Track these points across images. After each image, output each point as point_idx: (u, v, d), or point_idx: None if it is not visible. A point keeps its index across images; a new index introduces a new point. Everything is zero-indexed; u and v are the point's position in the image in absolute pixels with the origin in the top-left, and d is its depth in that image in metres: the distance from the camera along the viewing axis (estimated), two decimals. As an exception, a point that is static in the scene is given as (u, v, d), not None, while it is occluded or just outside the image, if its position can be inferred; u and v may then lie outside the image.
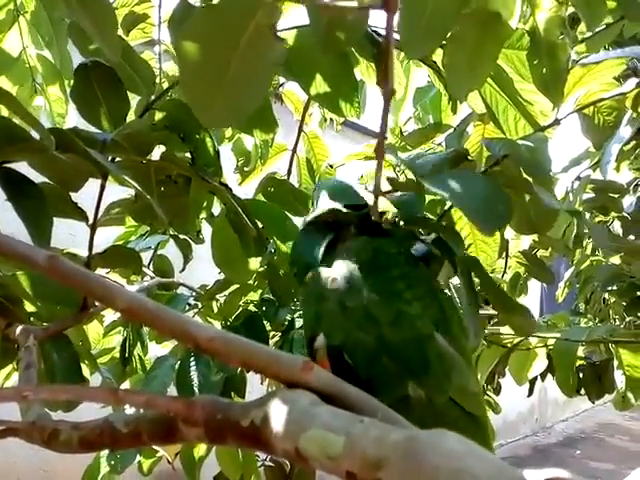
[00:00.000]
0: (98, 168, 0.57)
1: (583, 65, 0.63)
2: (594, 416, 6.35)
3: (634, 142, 1.20)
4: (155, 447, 1.02)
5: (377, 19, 0.78)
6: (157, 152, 0.75)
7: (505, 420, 5.02)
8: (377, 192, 0.54)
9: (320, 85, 0.75)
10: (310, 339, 0.55)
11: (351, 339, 0.52)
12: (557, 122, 0.63)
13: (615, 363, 1.03)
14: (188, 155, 0.78)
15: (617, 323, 1.61)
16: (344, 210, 0.62)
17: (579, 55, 0.85)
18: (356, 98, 0.77)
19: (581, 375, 1.35)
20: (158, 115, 0.77)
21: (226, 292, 1.14)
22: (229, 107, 0.36)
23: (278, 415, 0.30)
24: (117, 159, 0.74)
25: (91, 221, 0.80)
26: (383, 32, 0.76)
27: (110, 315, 1.14)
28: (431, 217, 0.70)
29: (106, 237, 1.21)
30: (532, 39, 0.56)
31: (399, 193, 0.63)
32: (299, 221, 1.07)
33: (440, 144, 1.16)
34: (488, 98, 0.67)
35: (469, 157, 0.54)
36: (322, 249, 0.61)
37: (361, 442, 0.25)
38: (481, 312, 1.30)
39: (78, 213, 0.76)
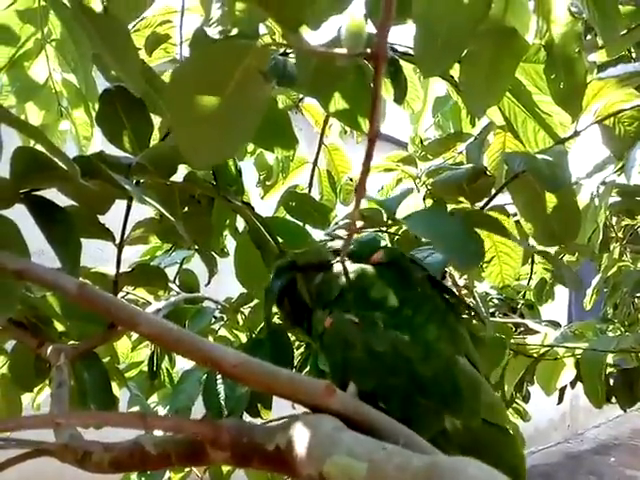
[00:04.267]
0: (123, 192, 0.59)
1: (601, 79, 0.63)
2: (627, 422, 6.20)
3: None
4: (184, 462, 1.03)
5: (393, 34, 0.79)
6: (181, 172, 0.77)
7: (536, 427, 4.93)
8: (350, 230, 0.54)
9: (338, 102, 0.76)
10: (340, 387, 0.54)
11: (383, 385, 0.52)
12: (577, 134, 0.63)
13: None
14: (210, 174, 0.80)
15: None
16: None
17: (600, 62, 0.84)
18: (374, 113, 0.78)
19: (612, 382, 1.32)
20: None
21: (251, 304, 1.15)
22: (217, 148, 0.37)
23: (302, 440, 0.31)
24: (142, 180, 0.76)
25: (118, 241, 0.82)
26: (399, 47, 0.77)
27: (138, 330, 1.16)
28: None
29: (134, 251, 1.24)
30: (549, 53, 0.56)
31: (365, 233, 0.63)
32: (320, 234, 1.08)
33: (461, 153, 1.16)
34: (507, 111, 0.67)
35: (487, 172, 0.54)
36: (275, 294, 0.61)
37: (384, 469, 0.26)
38: (506, 320, 1.29)
39: (106, 234, 0.78)
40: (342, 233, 0.92)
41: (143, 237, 0.82)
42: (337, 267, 0.60)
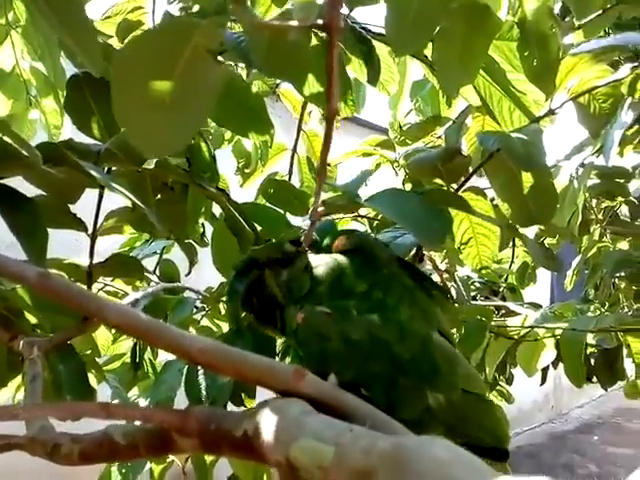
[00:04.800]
0: (92, 180, 0.57)
1: (575, 54, 0.62)
2: (610, 401, 6.30)
3: (637, 126, 1.18)
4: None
5: (366, 16, 0.78)
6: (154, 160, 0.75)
7: (520, 409, 4.99)
8: (313, 217, 0.54)
9: (313, 85, 0.75)
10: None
11: (363, 372, 0.51)
12: (552, 112, 0.63)
13: (625, 351, 1.02)
14: (184, 161, 0.79)
15: (626, 310, 1.60)
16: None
17: (577, 43, 0.84)
18: (350, 96, 0.76)
19: (593, 362, 1.33)
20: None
21: (232, 294, 1.14)
22: (170, 135, 0.35)
23: (269, 425, 0.30)
24: (114, 168, 0.75)
25: (90, 231, 0.80)
26: (372, 29, 0.75)
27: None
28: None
29: (112, 243, 1.22)
30: (522, 30, 0.55)
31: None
32: (299, 221, 1.07)
33: (440, 137, 1.15)
34: (482, 90, 0.66)
35: (462, 152, 0.54)
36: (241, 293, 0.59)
37: (350, 452, 0.25)
38: (488, 303, 1.29)
39: (77, 224, 0.76)
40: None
41: (117, 227, 0.81)
42: (302, 260, 0.60)
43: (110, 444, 0.40)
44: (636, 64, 0.60)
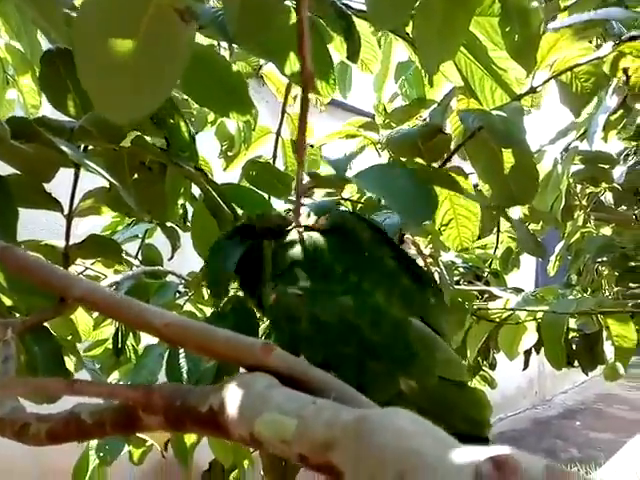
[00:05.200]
0: (64, 157, 0.55)
1: (557, 30, 0.61)
2: (593, 387, 6.40)
3: (621, 111, 1.18)
4: (142, 436, 1.01)
5: (348, -8, 0.76)
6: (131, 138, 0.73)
7: (504, 394, 5.05)
8: (299, 192, 0.53)
9: (294, 64, 0.74)
10: None
11: (333, 354, 0.50)
12: (533, 90, 0.62)
13: (605, 334, 1.02)
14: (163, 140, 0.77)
15: (607, 294, 1.61)
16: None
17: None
18: (332, 75, 0.75)
19: (574, 347, 1.35)
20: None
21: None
22: (135, 100, 0.34)
23: (234, 400, 0.29)
24: (90, 147, 0.73)
25: (67, 212, 0.79)
26: (353, 5, 0.74)
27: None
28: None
29: (94, 226, 1.20)
30: (503, 5, 0.54)
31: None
32: (283, 204, 1.06)
33: (425, 119, 1.14)
34: (464, 69, 0.65)
35: (443, 130, 0.53)
36: (235, 260, 0.57)
37: (312, 424, 0.25)
38: (471, 288, 1.30)
39: (53, 204, 0.75)
40: (304, 201, 0.90)
41: (94, 208, 0.79)
42: (291, 235, 0.58)
43: (77, 423, 0.39)
44: (618, 42, 0.59)
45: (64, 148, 0.53)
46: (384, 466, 0.21)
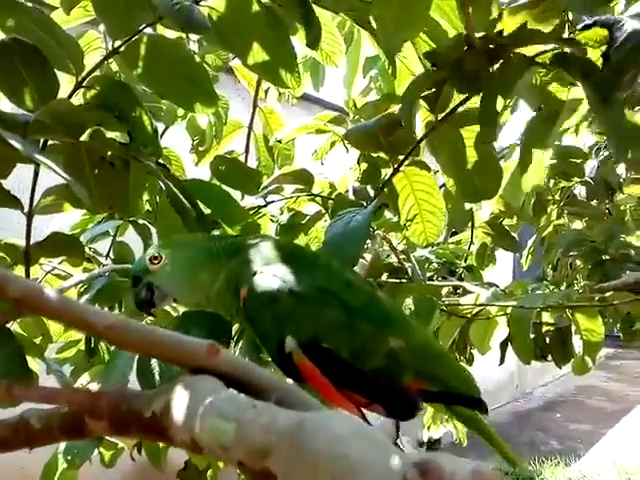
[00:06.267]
0: (15, 151, 0.53)
1: (512, 8, 0.59)
2: (573, 379, 6.48)
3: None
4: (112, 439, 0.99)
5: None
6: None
7: (485, 389, 5.04)
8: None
9: (258, 54, 0.72)
10: (278, 347, 0.52)
11: (321, 324, 0.52)
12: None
13: (573, 328, 1.03)
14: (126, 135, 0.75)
15: (580, 288, 1.62)
16: None
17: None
18: (296, 67, 0.74)
19: (547, 341, 1.35)
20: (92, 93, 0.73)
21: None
22: None
23: (176, 404, 0.28)
24: (50, 142, 0.71)
25: (27, 209, 0.76)
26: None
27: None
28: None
29: (65, 225, 1.17)
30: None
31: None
32: (252, 200, 1.04)
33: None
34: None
35: (402, 123, 0.52)
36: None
37: (250, 430, 0.24)
38: (444, 283, 1.29)
39: (12, 201, 0.72)
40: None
41: (55, 205, 0.77)
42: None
43: (26, 428, 0.38)
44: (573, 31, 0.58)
45: (14, 143, 0.51)
46: (317, 472, 0.20)
